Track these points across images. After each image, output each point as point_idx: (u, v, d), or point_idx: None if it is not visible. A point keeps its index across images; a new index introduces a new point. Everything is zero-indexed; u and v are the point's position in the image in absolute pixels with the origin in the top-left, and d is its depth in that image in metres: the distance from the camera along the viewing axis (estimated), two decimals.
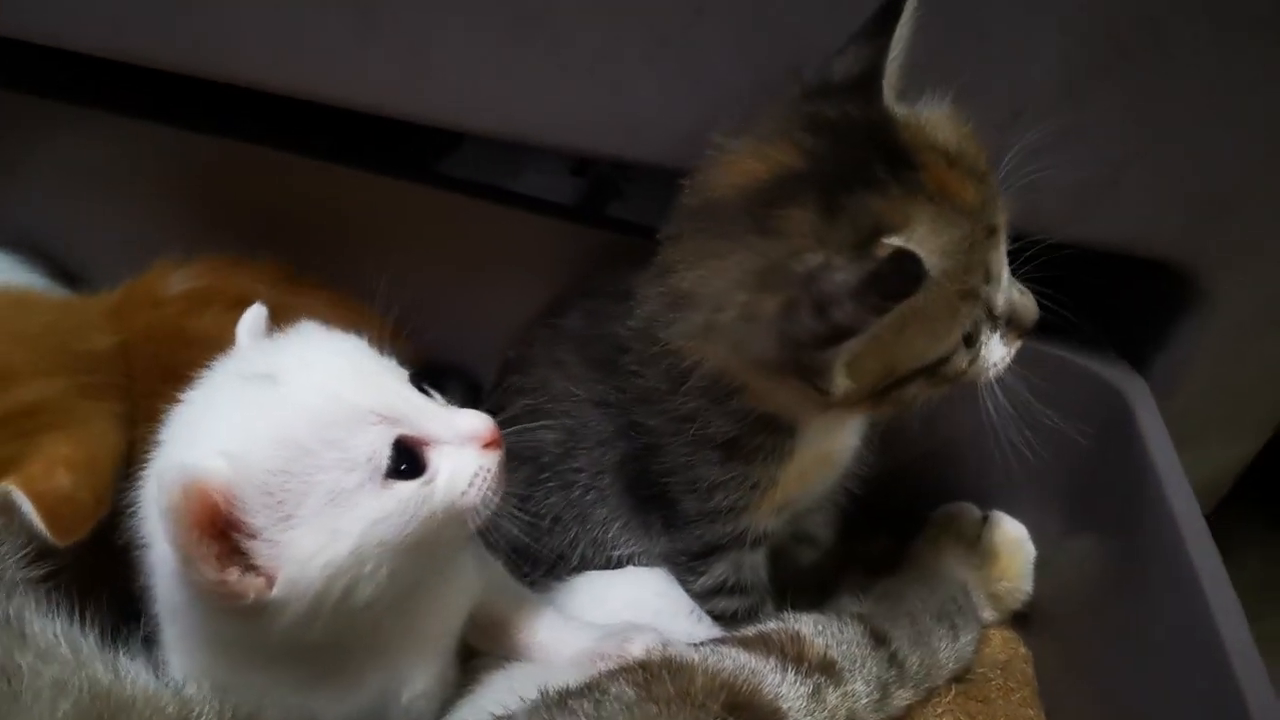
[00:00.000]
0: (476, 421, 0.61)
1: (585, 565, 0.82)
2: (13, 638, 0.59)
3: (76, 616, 0.64)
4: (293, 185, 1.05)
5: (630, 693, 0.60)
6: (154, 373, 0.83)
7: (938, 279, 0.59)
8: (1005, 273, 0.67)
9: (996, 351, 0.69)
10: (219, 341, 0.83)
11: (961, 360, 0.66)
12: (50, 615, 0.63)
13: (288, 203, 1.05)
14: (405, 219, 1.05)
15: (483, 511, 0.60)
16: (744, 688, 0.63)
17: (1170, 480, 0.72)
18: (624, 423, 0.79)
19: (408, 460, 0.57)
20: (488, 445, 0.61)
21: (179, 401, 0.60)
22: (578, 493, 0.82)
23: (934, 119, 0.66)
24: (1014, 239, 0.68)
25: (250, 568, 0.53)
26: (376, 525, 0.55)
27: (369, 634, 0.59)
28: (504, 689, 0.67)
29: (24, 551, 0.71)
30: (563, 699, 0.61)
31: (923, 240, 0.60)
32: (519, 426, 0.71)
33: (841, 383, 0.63)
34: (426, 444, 0.59)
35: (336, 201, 1.05)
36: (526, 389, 0.85)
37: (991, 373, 0.69)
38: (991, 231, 0.64)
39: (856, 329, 0.58)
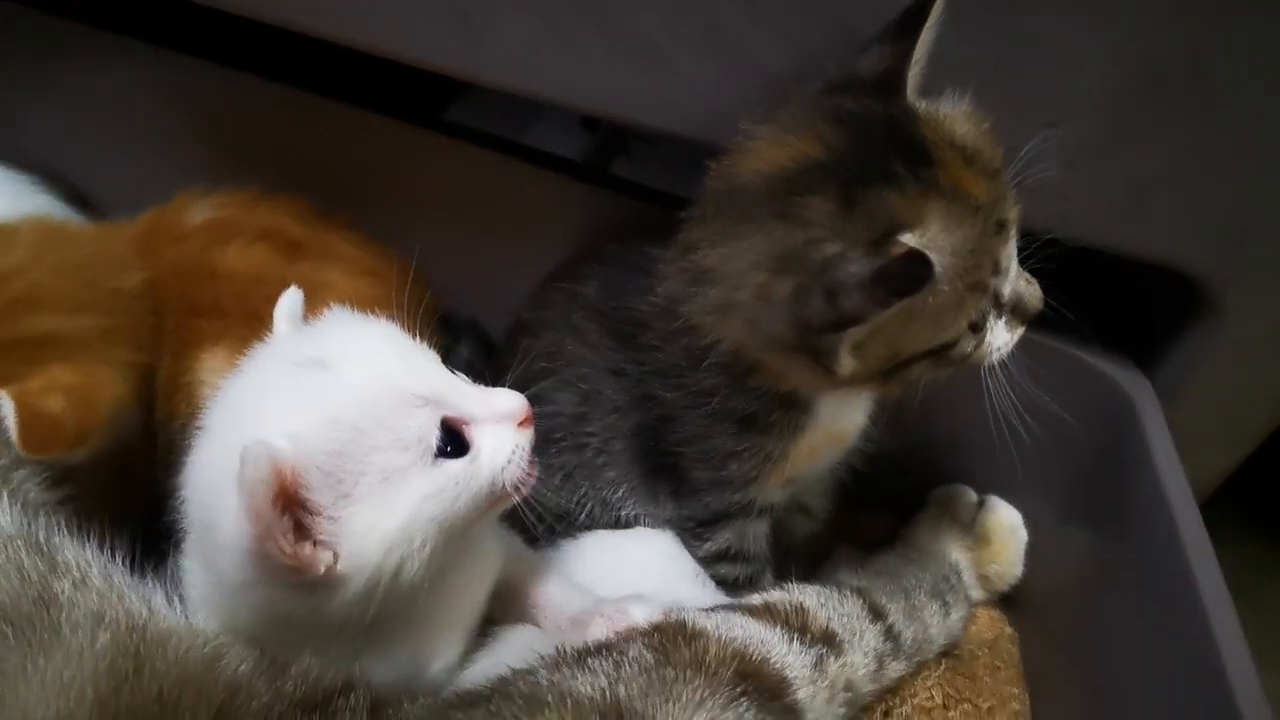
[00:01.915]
0: (512, 401, 0.63)
1: (593, 523, 0.84)
2: (46, 564, 0.60)
3: (106, 545, 0.65)
4: (306, 124, 1.05)
5: (649, 656, 0.62)
6: (181, 307, 0.84)
7: (944, 277, 0.62)
8: (1013, 264, 0.69)
9: (1000, 337, 0.71)
10: (243, 275, 0.84)
11: (967, 345, 0.69)
12: (82, 543, 0.64)
13: (299, 141, 1.05)
14: (416, 167, 1.05)
15: (520, 488, 0.63)
16: (754, 656, 0.66)
17: (1170, 480, 0.75)
18: (639, 394, 0.81)
19: (452, 440, 0.60)
20: (522, 424, 0.63)
21: (222, 383, 0.63)
22: (589, 455, 0.83)
23: (953, 116, 0.68)
24: (1030, 235, 0.71)
25: (316, 544, 0.55)
26: (427, 502, 0.58)
27: (408, 610, 0.61)
28: (520, 644, 0.69)
29: (44, 475, 0.72)
30: (581, 657, 0.62)
31: (934, 238, 0.62)
32: (534, 391, 0.73)
33: (847, 363, 0.66)
34: (467, 424, 0.61)
35: (351, 144, 1.05)
36: (541, 352, 0.86)
37: (995, 356, 0.71)
38: (1001, 226, 0.66)
39: (862, 318, 0.61)
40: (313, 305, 0.68)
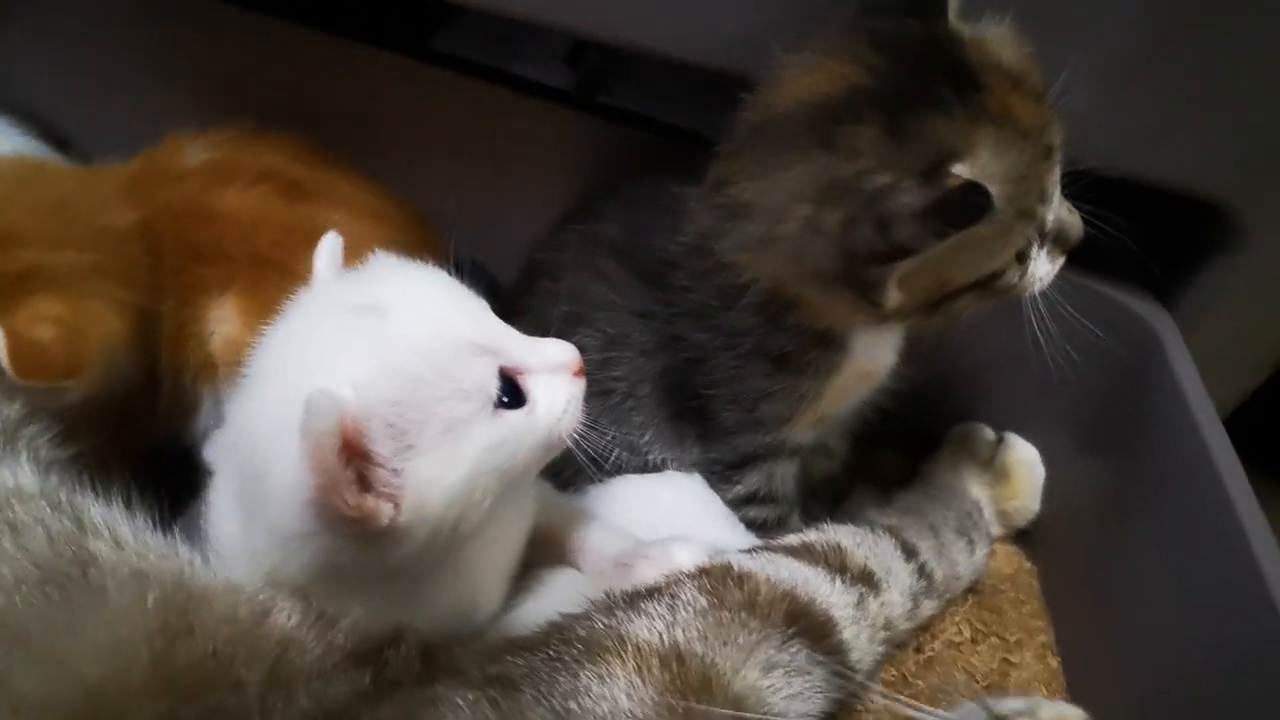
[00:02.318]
0: (565, 352, 0.62)
1: (620, 469, 0.82)
2: (74, 523, 0.58)
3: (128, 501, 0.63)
4: (286, 56, 1.01)
5: (702, 600, 0.61)
6: (180, 250, 0.81)
7: (1000, 207, 0.60)
8: (1057, 191, 0.68)
9: (1043, 266, 0.70)
10: (243, 218, 0.81)
11: (1013, 275, 0.68)
12: (107, 502, 0.62)
13: (278, 74, 1.00)
14: (404, 100, 1.02)
15: (573, 439, 0.62)
16: (802, 597, 0.65)
17: (1199, 405, 0.76)
18: (667, 335, 0.79)
19: (509, 390, 0.58)
20: (575, 374, 0.62)
21: (266, 327, 0.60)
22: (615, 400, 0.82)
23: (997, 38, 0.66)
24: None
25: (379, 495, 0.53)
26: (488, 453, 0.56)
27: (455, 559, 0.60)
28: (563, 588, 0.68)
29: (53, 431, 0.70)
30: (634, 600, 0.61)
31: (985, 166, 0.61)
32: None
33: (894, 296, 0.65)
34: (522, 374, 0.60)
35: (337, 77, 1.01)
36: (561, 294, 0.84)
37: (1037, 287, 0.71)
38: (1049, 151, 0.65)
39: (915, 249, 0.60)
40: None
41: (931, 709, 0.60)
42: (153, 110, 0.95)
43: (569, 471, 0.81)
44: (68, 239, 0.76)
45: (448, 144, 1.02)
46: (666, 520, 0.77)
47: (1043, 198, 0.66)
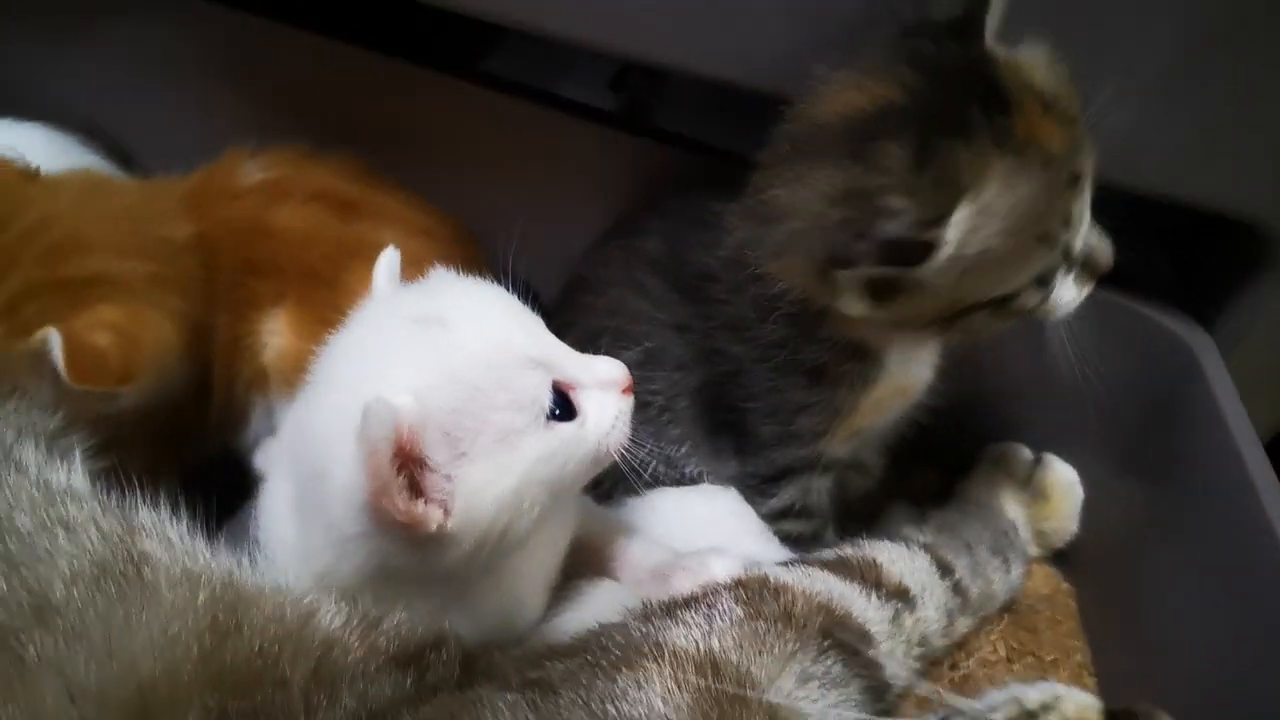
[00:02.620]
0: (615, 369, 0.64)
1: (657, 481, 0.84)
2: (124, 525, 0.60)
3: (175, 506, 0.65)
4: (342, 76, 1.03)
5: (739, 610, 0.62)
6: (235, 265, 0.83)
7: (992, 245, 0.63)
8: (1085, 218, 0.68)
9: (1068, 293, 0.71)
10: (297, 234, 0.83)
11: (1031, 298, 0.69)
12: (154, 507, 0.64)
13: (334, 93, 1.03)
14: (454, 119, 1.04)
15: (621, 453, 0.63)
16: (838, 610, 0.66)
17: (1239, 429, 0.75)
18: (705, 349, 0.80)
19: (561, 404, 0.60)
20: (624, 391, 0.64)
21: (329, 337, 0.63)
22: (653, 413, 0.83)
23: (1032, 61, 0.67)
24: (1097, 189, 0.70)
25: (430, 500, 0.55)
26: (539, 464, 0.58)
27: (501, 567, 0.62)
28: (605, 600, 0.69)
29: (91, 443, 0.71)
30: (671, 609, 0.62)
31: (990, 202, 0.62)
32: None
33: (854, 305, 0.67)
34: (574, 389, 0.61)
35: (388, 96, 1.04)
36: (600, 308, 0.86)
37: (1061, 313, 0.71)
38: (1075, 179, 0.66)
39: (856, 264, 0.64)
40: (370, 266, 0.67)
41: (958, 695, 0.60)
42: (212, 128, 0.97)
43: (609, 483, 0.83)
44: (130, 249, 0.79)
45: (497, 163, 1.04)
46: (703, 532, 0.78)
47: (1066, 224, 0.66)
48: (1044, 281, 0.68)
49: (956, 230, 0.61)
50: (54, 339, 0.69)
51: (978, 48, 0.67)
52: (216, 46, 1.02)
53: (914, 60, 0.66)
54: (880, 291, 0.66)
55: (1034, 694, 0.57)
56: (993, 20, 0.67)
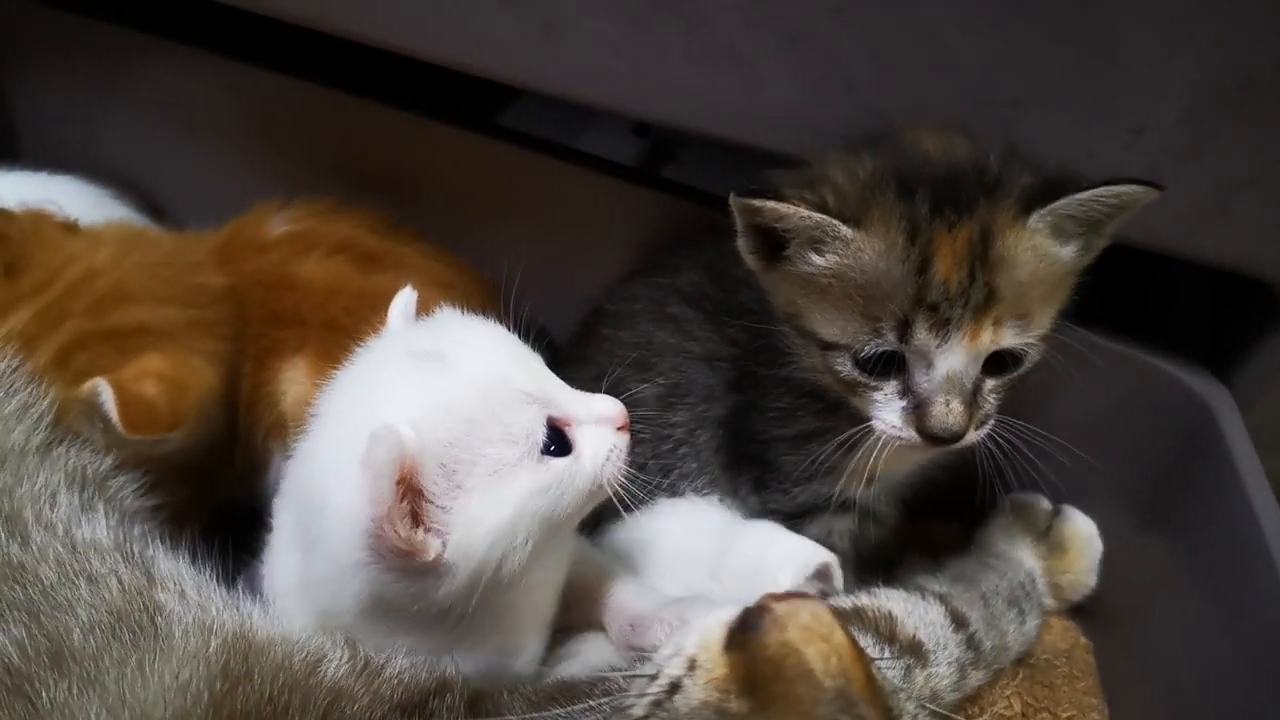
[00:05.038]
0: (611, 407, 0.65)
1: None
2: (144, 576, 0.62)
3: (197, 554, 0.67)
4: (367, 131, 1.06)
5: None
6: (262, 316, 0.85)
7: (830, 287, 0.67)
8: (944, 368, 0.67)
9: (891, 415, 0.70)
10: (320, 286, 0.86)
11: (841, 366, 0.70)
12: (175, 555, 0.66)
13: (359, 148, 1.06)
14: (473, 172, 1.06)
15: (616, 489, 0.64)
16: None
17: (1255, 487, 0.75)
18: (735, 377, 0.82)
19: (556, 439, 0.62)
20: (620, 428, 0.65)
21: (334, 372, 0.65)
22: (669, 446, 0.85)
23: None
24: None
25: (429, 530, 0.56)
26: (533, 497, 0.60)
27: (500, 603, 0.63)
28: (609, 650, 0.69)
29: (139, 482, 0.75)
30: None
31: (862, 241, 0.66)
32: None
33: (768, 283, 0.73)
34: (569, 424, 0.63)
35: (412, 151, 1.06)
36: (625, 342, 0.88)
37: (879, 427, 0.71)
38: (934, 310, 0.66)
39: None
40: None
41: None
42: (241, 181, 1.01)
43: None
44: (170, 296, 0.82)
45: (516, 215, 1.06)
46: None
47: (904, 331, 0.66)
48: (862, 366, 0.69)
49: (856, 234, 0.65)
50: (104, 389, 0.72)
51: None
52: (246, 103, 1.05)
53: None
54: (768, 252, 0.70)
55: None
56: None
